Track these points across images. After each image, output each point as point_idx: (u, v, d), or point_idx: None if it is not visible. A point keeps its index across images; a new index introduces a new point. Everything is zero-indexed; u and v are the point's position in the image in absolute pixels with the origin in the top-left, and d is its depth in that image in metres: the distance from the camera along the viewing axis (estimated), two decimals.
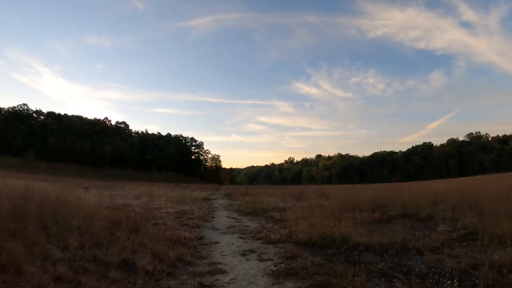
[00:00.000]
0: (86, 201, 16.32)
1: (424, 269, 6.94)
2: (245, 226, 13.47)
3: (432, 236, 9.56)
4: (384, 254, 8.33)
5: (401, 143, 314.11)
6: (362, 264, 7.17)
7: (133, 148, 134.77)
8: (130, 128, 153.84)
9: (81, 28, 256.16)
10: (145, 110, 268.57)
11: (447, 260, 7.35)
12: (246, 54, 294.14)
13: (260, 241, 10.31)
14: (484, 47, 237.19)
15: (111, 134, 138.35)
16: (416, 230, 10.92)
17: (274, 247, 9.49)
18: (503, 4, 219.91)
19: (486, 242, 8.41)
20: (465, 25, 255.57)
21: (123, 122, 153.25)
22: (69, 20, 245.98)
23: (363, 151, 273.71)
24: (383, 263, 7.38)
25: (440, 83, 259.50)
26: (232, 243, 10.02)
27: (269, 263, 7.79)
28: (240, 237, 10.99)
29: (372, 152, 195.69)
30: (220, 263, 7.67)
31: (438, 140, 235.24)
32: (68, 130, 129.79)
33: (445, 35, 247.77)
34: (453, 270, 6.56)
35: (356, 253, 8.60)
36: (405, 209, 15.26)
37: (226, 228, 12.96)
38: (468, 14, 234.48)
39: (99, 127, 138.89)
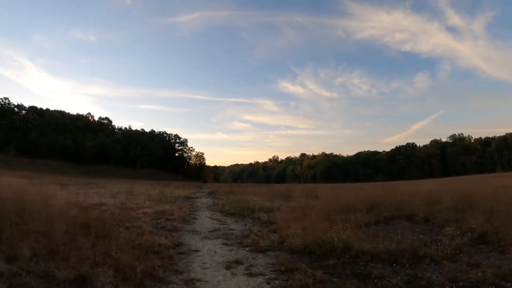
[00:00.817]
0: (58, 199, 14.80)
1: (446, 282, 5.88)
2: (230, 230, 12.02)
3: (444, 240, 8.54)
4: (395, 264, 7.17)
5: (385, 143, 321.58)
6: (373, 279, 6.04)
7: (116, 145, 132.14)
8: (113, 124, 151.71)
9: (67, 22, 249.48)
10: (130, 106, 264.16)
11: (468, 269, 6.46)
12: (232, 52, 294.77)
13: (248, 248, 8.94)
14: (469, 51, 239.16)
15: (94, 130, 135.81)
16: (420, 234, 10.00)
17: (264, 257, 8.12)
18: (489, 10, 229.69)
19: (500, 247, 7.79)
20: (451, 29, 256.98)
21: (106, 118, 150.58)
22: (55, 14, 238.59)
23: (347, 150, 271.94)
24: (397, 277, 6.21)
25: (424, 86, 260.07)
26: (215, 252, 8.58)
27: (260, 279, 6.41)
28: (224, 243, 9.58)
29: (356, 152, 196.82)
30: (199, 280, 6.26)
31: (422, 141, 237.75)
32: (50, 125, 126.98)
33: (431, 38, 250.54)
34: (481, 283, 5.62)
35: (362, 263, 7.34)
36: (400, 210, 14.01)
37: (209, 231, 11.52)
38: (455, 19, 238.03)
39: (81, 123, 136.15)
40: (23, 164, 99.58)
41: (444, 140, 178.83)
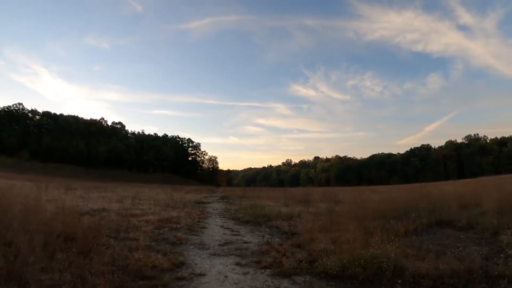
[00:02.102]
0: (55, 204, 13.61)
1: None
2: (244, 243, 9.98)
3: (508, 251, 7.05)
4: None
5: (399, 145, 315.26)
6: None
7: (129, 149, 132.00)
8: (126, 128, 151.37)
9: (81, 29, 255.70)
10: (143, 112, 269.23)
11: None
12: (244, 56, 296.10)
13: (268, 271, 6.78)
14: (481, 50, 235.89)
15: (107, 135, 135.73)
16: (471, 244, 8.40)
17: (291, 284, 6.05)
18: (500, 8, 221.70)
19: None
20: (462, 28, 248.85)
21: (119, 123, 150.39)
22: (68, 22, 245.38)
23: (361, 153, 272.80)
24: None
25: (437, 86, 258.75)
26: (226, 276, 6.41)
27: None
28: (237, 263, 7.42)
29: (370, 154, 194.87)
30: None
31: (436, 143, 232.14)
32: (64, 130, 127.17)
33: (443, 38, 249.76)
34: None
35: None
36: (435, 215, 12.31)
37: (219, 245, 9.48)
38: (465, 17, 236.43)
39: (94, 127, 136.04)
40: (35, 168, 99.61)
41: (459, 141, 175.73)
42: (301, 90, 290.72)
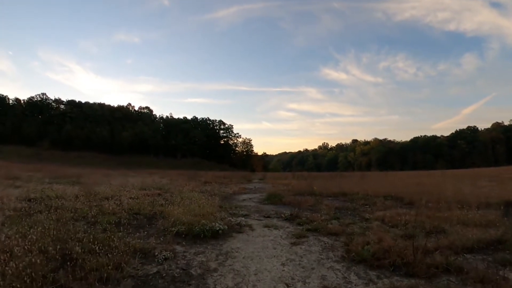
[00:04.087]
0: None
1: None
2: None
3: None
4: None
5: (435, 129, 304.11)
6: None
7: (155, 134, 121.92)
8: (154, 113, 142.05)
9: (111, 26, 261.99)
10: (175, 100, 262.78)
11: None
12: (273, 42, 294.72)
13: None
14: None
15: (133, 120, 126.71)
16: None
17: None
18: None
19: None
20: (496, 5, 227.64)
21: (147, 107, 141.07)
22: (98, 19, 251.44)
23: (396, 137, 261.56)
24: None
25: (472, 67, 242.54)
26: None
27: None
28: None
29: (411, 137, 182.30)
30: None
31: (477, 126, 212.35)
32: (88, 117, 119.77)
33: (476, 16, 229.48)
34: None
35: None
36: None
37: None
38: None
39: (120, 113, 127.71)
40: (56, 157, 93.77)
41: (506, 123, 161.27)
42: (331, 73, 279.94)
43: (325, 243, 7.13)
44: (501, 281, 4.77)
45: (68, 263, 4.92)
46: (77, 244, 5.70)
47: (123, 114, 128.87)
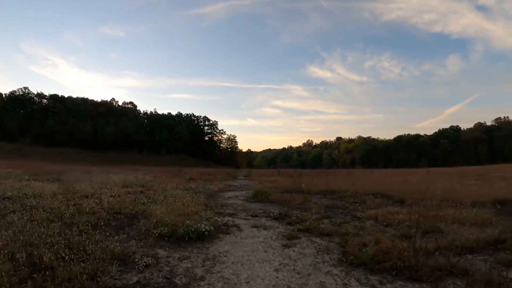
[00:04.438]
0: None
1: None
2: None
3: None
4: None
5: (419, 128, 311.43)
6: None
7: (139, 129, 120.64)
8: (138, 108, 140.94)
9: (96, 19, 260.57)
10: (160, 96, 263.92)
11: None
12: (259, 39, 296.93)
13: None
14: (502, 32, 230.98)
15: (117, 115, 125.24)
16: None
17: None
18: None
19: None
20: (482, 9, 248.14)
21: (131, 103, 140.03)
22: (84, 12, 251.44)
23: (380, 135, 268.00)
24: None
25: (457, 68, 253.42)
26: None
27: None
28: None
29: (395, 136, 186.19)
30: None
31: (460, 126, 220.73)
32: (71, 112, 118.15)
33: (461, 19, 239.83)
34: None
35: None
36: None
37: None
38: None
39: (104, 108, 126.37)
40: (37, 153, 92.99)
41: (488, 123, 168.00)
42: (317, 71, 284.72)
43: (319, 245, 6.67)
44: (509, 282, 4.49)
45: (38, 272, 4.39)
46: (50, 249, 5.13)
47: (107, 109, 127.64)
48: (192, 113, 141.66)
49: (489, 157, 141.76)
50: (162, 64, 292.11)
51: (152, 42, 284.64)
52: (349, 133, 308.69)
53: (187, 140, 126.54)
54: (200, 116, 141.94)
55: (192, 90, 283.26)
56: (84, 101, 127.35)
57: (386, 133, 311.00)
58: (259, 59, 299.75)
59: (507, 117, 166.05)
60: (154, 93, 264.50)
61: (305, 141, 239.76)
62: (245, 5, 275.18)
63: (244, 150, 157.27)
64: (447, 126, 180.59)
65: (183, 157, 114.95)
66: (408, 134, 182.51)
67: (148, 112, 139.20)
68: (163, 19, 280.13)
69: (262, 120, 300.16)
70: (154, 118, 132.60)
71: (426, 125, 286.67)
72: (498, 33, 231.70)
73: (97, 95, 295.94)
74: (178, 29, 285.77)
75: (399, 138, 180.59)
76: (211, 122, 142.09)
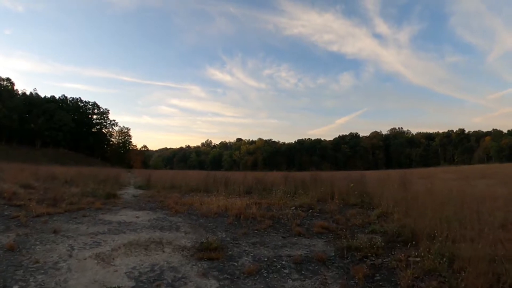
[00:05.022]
0: None
1: None
2: None
3: None
4: None
5: (311, 134, 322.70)
6: None
7: (11, 113, 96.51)
8: (16, 88, 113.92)
9: None
10: (54, 84, 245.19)
11: None
12: (163, 35, 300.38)
13: None
14: (392, 58, 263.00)
15: None
16: None
17: None
18: (416, 23, 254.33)
19: None
20: (378, 36, 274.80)
21: (8, 79, 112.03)
22: None
23: (276, 139, 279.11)
24: None
25: (349, 84, 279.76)
26: None
27: None
28: None
29: (288, 140, 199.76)
30: None
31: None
32: None
33: (357, 42, 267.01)
34: None
35: None
36: None
37: None
38: (382, 27, 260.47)
39: None
40: None
41: (384, 133, 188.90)
42: (217, 74, 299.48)
43: None
44: None
45: None
46: None
47: None
48: (79, 98, 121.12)
49: (385, 163, 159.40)
50: (58, 48, 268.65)
51: (52, 23, 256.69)
52: (246, 136, 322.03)
53: (71, 131, 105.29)
54: (89, 102, 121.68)
55: (87, 80, 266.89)
56: None
57: (282, 137, 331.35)
58: (160, 55, 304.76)
59: (401, 127, 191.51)
60: (48, 80, 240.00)
61: (204, 141, 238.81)
62: None
63: (139, 147, 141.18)
64: (336, 134, 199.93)
65: (64, 152, 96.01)
66: (309, 138, 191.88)
67: (28, 93, 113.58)
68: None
69: (158, 118, 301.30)
70: (33, 101, 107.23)
71: (318, 132, 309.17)
72: (389, 58, 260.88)
73: None
74: (81, 12, 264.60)
75: (301, 142, 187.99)
76: (101, 110, 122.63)
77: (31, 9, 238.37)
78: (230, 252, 6.70)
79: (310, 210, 11.96)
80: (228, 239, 7.83)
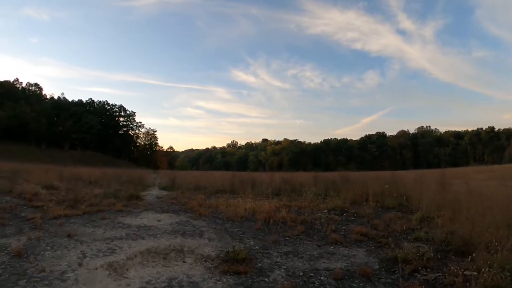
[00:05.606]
0: None
1: None
2: None
3: None
4: None
5: (336, 134, 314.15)
6: None
7: (39, 117, 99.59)
8: (44, 93, 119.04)
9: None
10: (81, 89, 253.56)
11: None
12: (186, 39, 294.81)
13: None
14: (417, 54, 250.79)
15: (16, 98, 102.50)
16: None
17: None
18: (440, 18, 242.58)
19: None
20: (402, 32, 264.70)
21: (36, 84, 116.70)
22: None
23: (301, 139, 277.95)
24: None
25: (374, 82, 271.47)
26: None
27: None
28: None
29: (314, 140, 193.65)
30: None
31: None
32: None
33: (382, 39, 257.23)
34: None
35: None
36: None
37: None
38: (406, 23, 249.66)
39: (1, 89, 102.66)
40: None
41: (411, 131, 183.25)
42: (241, 75, 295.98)
43: None
44: None
45: None
46: None
47: (6, 90, 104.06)
48: (106, 101, 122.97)
49: (413, 162, 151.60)
50: (83, 54, 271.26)
51: (76, 30, 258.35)
52: (271, 136, 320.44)
53: (98, 133, 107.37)
54: (115, 105, 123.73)
55: (113, 84, 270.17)
56: None
57: (307, 138, 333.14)
58: (184, 58, 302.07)
59: (429, 126, 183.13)
60: (74, 85, 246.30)
61: (229, 142, 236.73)
62: (176, 4, 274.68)
63: (165, 148, 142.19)
64: (362, 134, 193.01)
65: (92, 153, 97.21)
66: (335, 138, 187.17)
67: (56, 97, 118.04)
68: (90, 6, 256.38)
69: (184, 120, 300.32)
70: (61, 105, 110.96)
71: (344, 132, 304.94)
72: (414, 55, 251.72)
73: None
74: (105, 19, 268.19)
75: (327, 142, 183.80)
76: (128, 112, 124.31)
77: (56, 17, 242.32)
78: (259, 264, 5.89)
79: (344, 214, 11.05)
80: (256, 247, 7.05)
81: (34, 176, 21.04)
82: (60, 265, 5.39)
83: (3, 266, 5.27)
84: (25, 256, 5.81)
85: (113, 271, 5.14)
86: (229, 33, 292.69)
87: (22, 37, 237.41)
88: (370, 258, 6.22)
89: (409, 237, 7.70)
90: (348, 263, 5.90)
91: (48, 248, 6.37)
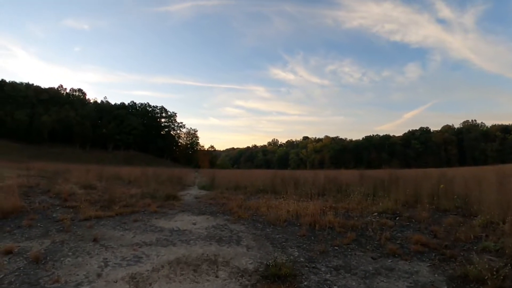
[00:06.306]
0: None
1: None
2: None
3: None
4: None
5: (378, 130, 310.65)
6: None
7: (83, 120, 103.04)
8: (88, 97, 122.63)
9: (60, 11, 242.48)
10: (122, 92, 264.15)
11: None
12: (223, 40, 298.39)
13: None
14: (459, 44, 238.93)
15: (61, 103, 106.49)
16: None
17: None
18: (480, 4, 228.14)
19: None
20: (441, 21, 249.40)
21: (79, 90, 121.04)
22: (48, 3, 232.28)
23: (342, 136, 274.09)
24: None
25: (415, 75, 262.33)
26: None
27: None
28: None
29: (355, 137, 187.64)
30: None
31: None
32: (8, 99, 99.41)
33: (421, 30, 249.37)
34: None
35: None
36: None
37: None
38: (445, 11, 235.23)
39: (47, 95, 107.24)
40: None
41: (456, 126, 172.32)
42: (280, 73, 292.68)
43: None
44: None
45: None
46: None
47: (51, 96, 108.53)
48: (148, 103, 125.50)
49: (459, 159, 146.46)
50: (124, 59, 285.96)
51: (115, 37, 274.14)
52: (312, 134, 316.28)
53: (140, 134, 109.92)
54: (157, 107, 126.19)
55: (153, 87, 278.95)
56: (27, 87, 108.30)
57: (349, 134, 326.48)
58: (221, 59, 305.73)
59: (474, 120, 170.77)
60: (115, 89, 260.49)
61: (270, 140, 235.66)
62: (211, 6, 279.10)
63: (206, 147, 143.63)
64: (405, 130, 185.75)
65: (134, 154, 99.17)
66: (377, 134, 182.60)
67: (99, 101, 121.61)
68: (128, 14, 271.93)
69: (224, 119, 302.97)
70: (103, 108, 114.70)
71: (385, 128, 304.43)
72: (456, 44, 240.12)
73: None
74: (143, 25, 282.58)
75: (369, 138, 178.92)
76: (169, 113, 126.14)
77: (96, 26, 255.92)
78: (305, 283, 4.86)
79: (397, 218, 9.76)
80: (301, 259, 6.04)
81: (74, 175, 21.07)
82: (78, 275, 4.81)
83: (16, 273, 4.88)
84: (42, 262, 5.37)
85: (134, 285, 4.39)
86: (265, 32, 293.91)
87: (65, 46, 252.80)
88: (436, 275, 5.16)
89: (475, 247, 6.52)
90: (411, 283, 4.88)
91: (70, 253, 5.83)
